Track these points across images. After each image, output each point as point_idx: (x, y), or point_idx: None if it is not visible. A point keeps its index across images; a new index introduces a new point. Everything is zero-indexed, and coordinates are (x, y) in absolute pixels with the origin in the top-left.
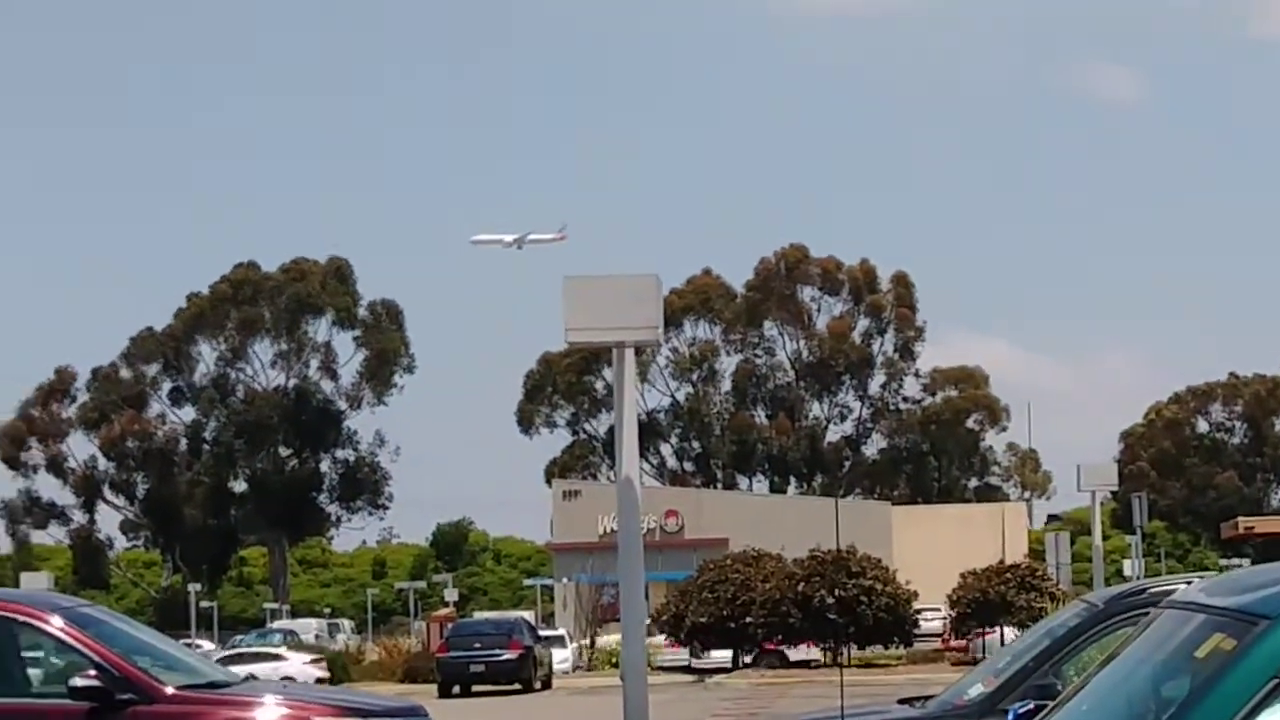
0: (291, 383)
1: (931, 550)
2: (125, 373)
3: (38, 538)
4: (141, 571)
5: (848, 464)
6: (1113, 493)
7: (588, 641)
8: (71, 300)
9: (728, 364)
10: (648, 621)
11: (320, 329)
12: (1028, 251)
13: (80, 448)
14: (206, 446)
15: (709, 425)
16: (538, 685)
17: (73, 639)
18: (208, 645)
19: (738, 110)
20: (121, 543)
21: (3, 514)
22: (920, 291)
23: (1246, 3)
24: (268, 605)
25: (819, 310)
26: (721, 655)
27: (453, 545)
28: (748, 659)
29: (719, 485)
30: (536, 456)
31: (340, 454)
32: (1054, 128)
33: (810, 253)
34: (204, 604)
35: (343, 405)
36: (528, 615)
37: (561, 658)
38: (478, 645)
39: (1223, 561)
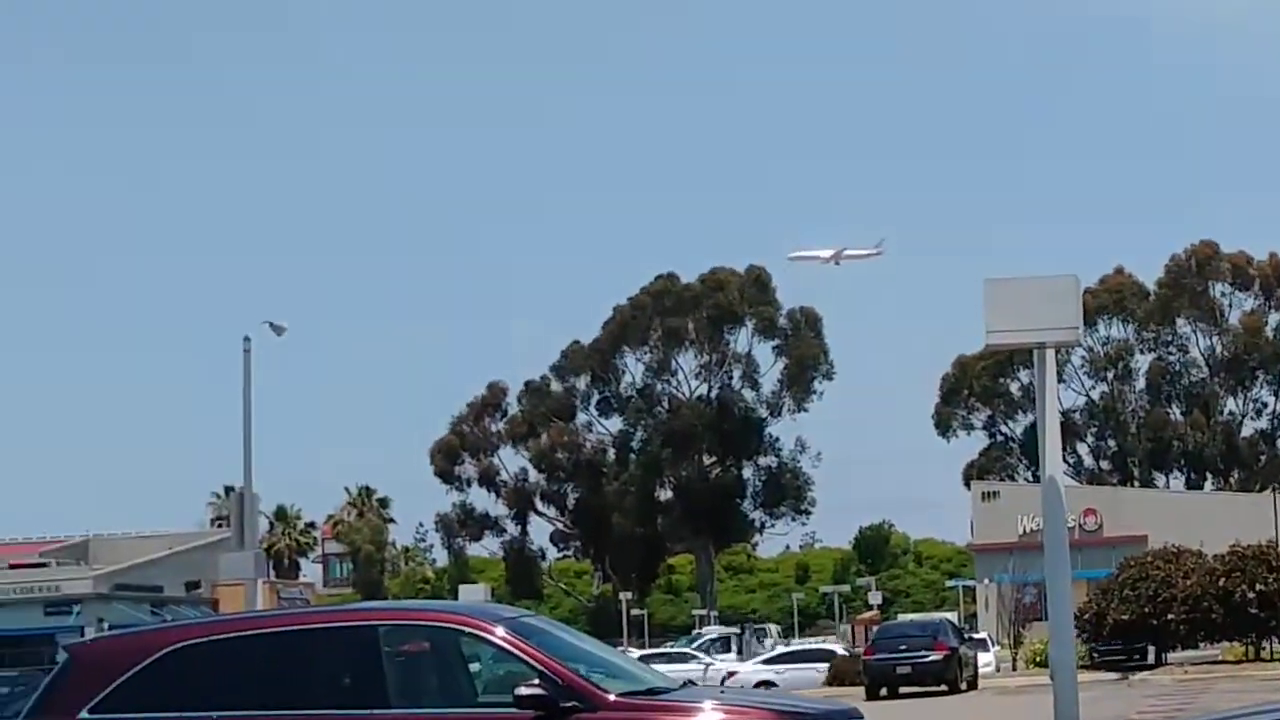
0: (714, 392)
1: None
2: (555, 385)
3: (472, 550)
4: (573, 581)
5: (1263, 459)
6: None
7: (1010, 641)
8: (504, 317)
9: (1142, 362)
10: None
11: (741, 339)
12: None
13: (511, 461)
14: (633, 456)
15: (1125, 423)
16: (964, 686)
17: (516, 648)
18: (637, 652)
19: (1146, 111)
20: (553, 553)
21: (439, 527)
22: None
23: None
24: (696, 612)
25: (1230, 306)
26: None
27: (874, 548)
28: (1169, 655)
29: (1136, 483)
30: (954, 458)
31: (763, 461)
32: None
33: (1220, 249)
34: (634, 612)
35: (764, 413)
36: (951, 616)
37: (985, 660)
38: (904, 647)
39: None
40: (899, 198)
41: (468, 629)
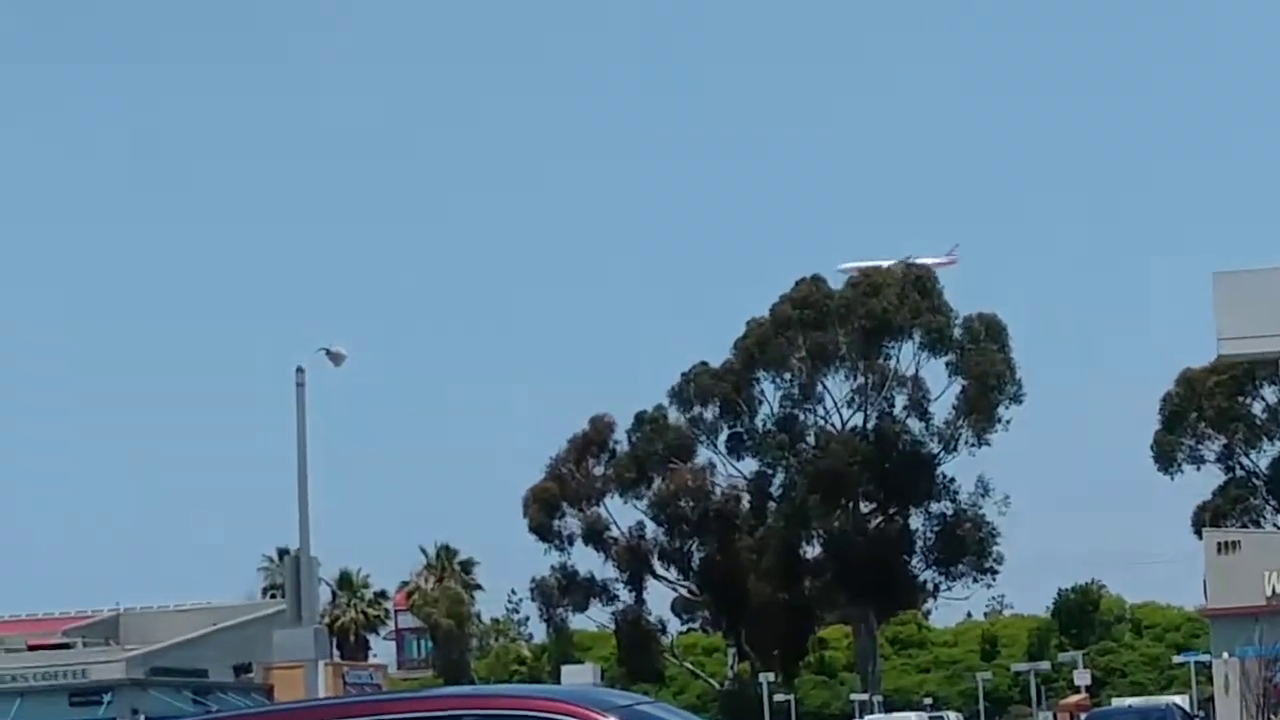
0: (871, 422)
1: None
2: (675, 418)
3: (577, 622)
4: (701, 659)
5: None
6: None
7: None
8: (610, 338)
9: None
10: None
11: (904, 355)
12: None
13: (622, 512)
14: (773, 504)
15: None
16: None
17: None
18: None
19: None
20: (675, 625)
21: (535, 595)
22: None
23: None
24: (855, 697)
25: None
26: None
27: (1079, 615)
28: None
29: None
30: (1181, 500)
31: (935, 507)
32: None
33: None
34: (779, 697)
35: (935, 447)
36: (1180, 700)
37: None
38: None
39: None
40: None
41: (573, 719)
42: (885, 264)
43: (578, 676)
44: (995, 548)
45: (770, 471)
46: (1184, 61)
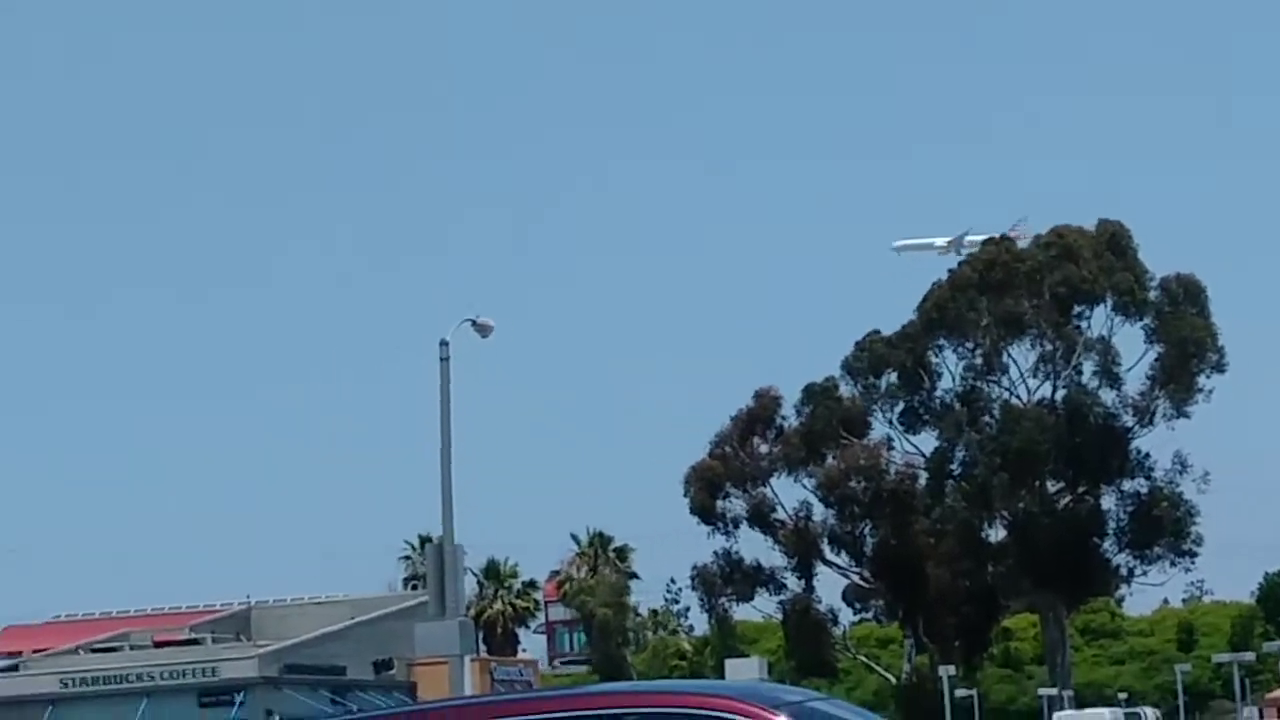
0: (1060, 393)
1: None
2: (846, 391)
3: (742, 613)
4: (876, 651)
5: None
6: None
7: None
8: (774, 304)
9: None
10: None
11: (1095, 320)
12: None
13: (790, 492)
14: (952, 483)
15: None
16: None
17: None
18: None
19: None
20: (848, 615)
21: (696, 584)
22: None
23: None
24: (1043, 691)
25: None
26: None
27: None
28: None
29: None
30: None
31: (1128, 485)
32: None
33: None
34: (960, 692)
35: (1129, 420)
36: None
37: None
38: None
39: None
40: None
41: (740, 717)
42: (938, 241)
43: (743, 671)
44: (1194, 529)
45: (950, 447)
46: None
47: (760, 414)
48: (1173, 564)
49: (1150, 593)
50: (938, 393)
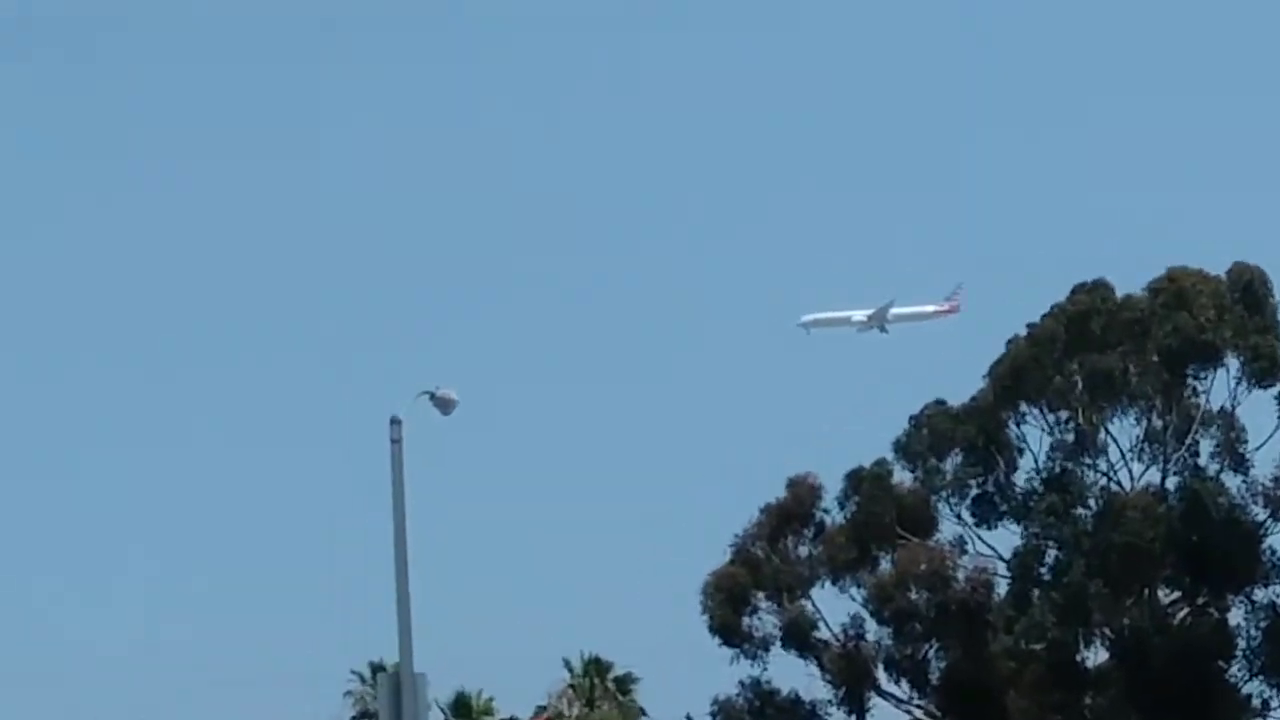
0: (1173, 479)
1: None
2: (902, 477)
3: None
4: None
5: None
6: None
7: None
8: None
9: None
10: None
11: (1218, 386)
12: None
13: (834, 604)
14: (1039, 592)
15: None
16: None
17: None
18: None
19: None
20: None
21: (717, 717)
22: None
23: None
24: None
25: None
26: None
27: None
28: None
29: None
30: None
31: (1260, 595)
32: None
33: None
34: None
35: (1260, 513)
36: None
37: None
38: None
39: None
40: None
41: None
42: (854, 315)
43: None
44: None
45: (1035, 547)
46: None
47: (795, 508)
48: None
49: None
50: (1018, 478)
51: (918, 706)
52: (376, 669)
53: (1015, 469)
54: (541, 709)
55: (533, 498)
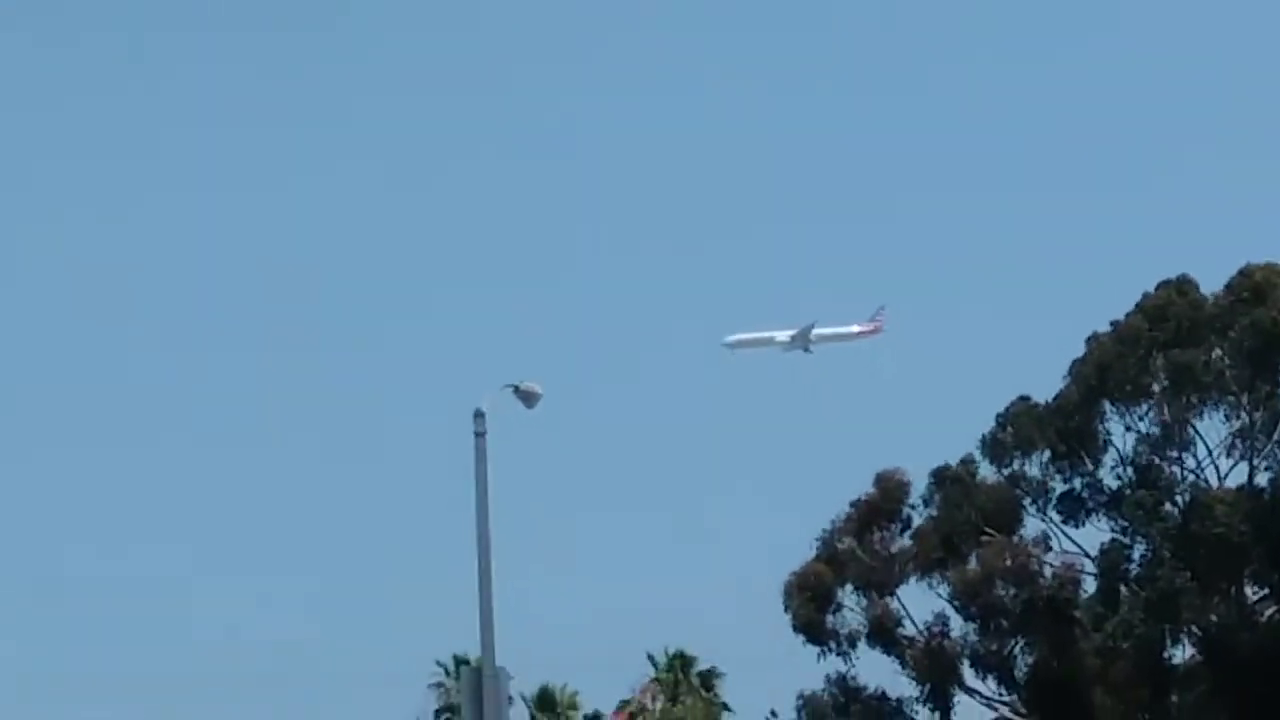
0: (1261, 475)
1: None
2: (987, 473)
3: None
4: None
5: None
6: None
7: None
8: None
9: None
10: None
11: None
12: None
13: (920, 601)
14: (1127, 589)
15: None
16: None
17: None
18: None
19: None
20: None
21: (804, 716)
22: None
23: None
24: None
25: None
26: None
27: None
28: None
29: None
30: None
31: None
32: None
33: None
34: None
35: None
36: None
37: None
38: None
39: None
40: None
41: None
42: (778, 335)
43: None
44: None
45: (1124, 545)
46: None
47: (882, 503)
48: None
49: None
50: (1104, 474)
51: (1003, 703)
52: (460, 662)
53: (1100, 465)
54: (625, 704)
55: (618, 492)
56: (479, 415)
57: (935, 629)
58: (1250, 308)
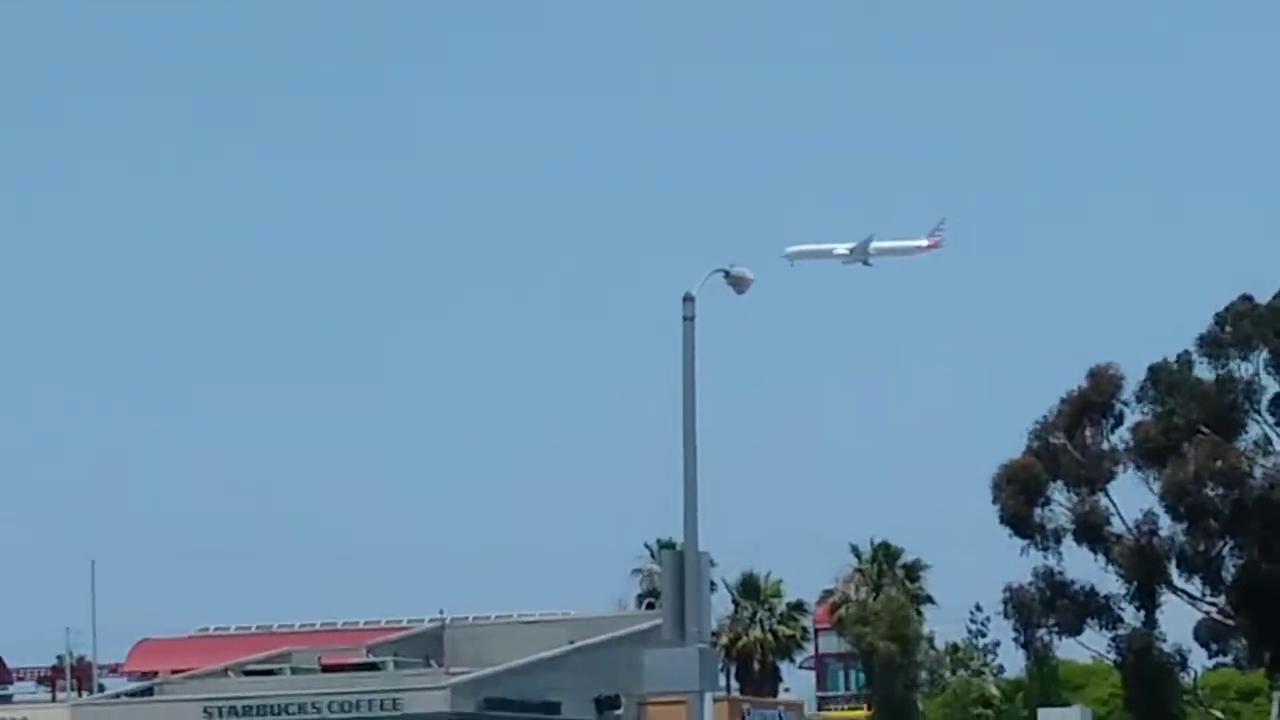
0: None
1: None
2: (1203, 371)
3: (1066, 650)
4: (1236, 705)
5: None
6: None
7: None
8: (1119, 264)
9: None
10: None
11: None
12: None
13: (1130, 498)
14: None
15: None
16: None
17: None
18: None
19: None
20: (1201, 658)
21: (1009, 611)
22: None
23: None
24: None
25: None
26: None
27: None
28: None
29: None
30: None
31: None
32: None
33: None
34: None
35: None
36: None
37: None
38: None
39: None
40: None
41: None
42: (837, 248)
43: None
44: None
45: None
46: None
47: (1095, 398)
48: None
49: None
50: None
51: (1210, 604)
52: (664, 546)
53: None
54: (828, 593)
55: (827, 382)
56: (688, 299)
57: (1144, 527)
58: None
